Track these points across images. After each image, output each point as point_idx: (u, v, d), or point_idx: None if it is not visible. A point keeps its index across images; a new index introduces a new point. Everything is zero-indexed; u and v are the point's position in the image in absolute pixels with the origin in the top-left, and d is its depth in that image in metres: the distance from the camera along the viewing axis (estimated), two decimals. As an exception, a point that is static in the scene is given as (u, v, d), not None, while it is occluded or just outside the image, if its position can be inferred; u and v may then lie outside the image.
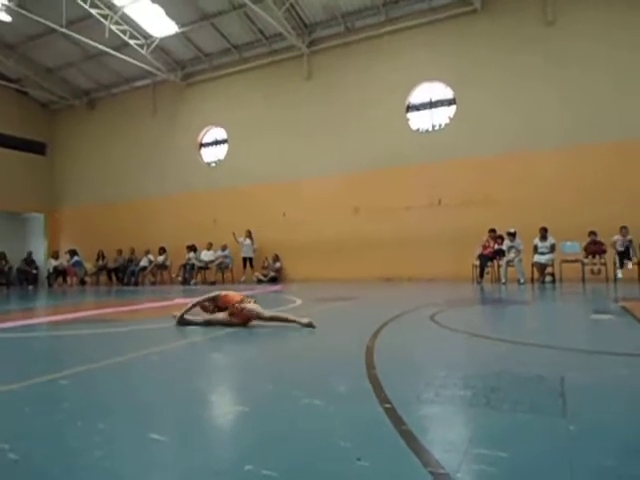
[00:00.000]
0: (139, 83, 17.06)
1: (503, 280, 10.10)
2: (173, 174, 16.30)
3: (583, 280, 9.71)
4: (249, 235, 14.02)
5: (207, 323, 4.46)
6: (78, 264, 15.95)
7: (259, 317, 4.32)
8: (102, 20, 13.10)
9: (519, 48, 11.57)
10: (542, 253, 10.16)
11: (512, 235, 10.45)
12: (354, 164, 13.27)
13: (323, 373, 2.67)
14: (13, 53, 15.66)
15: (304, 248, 13.62)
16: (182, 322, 4.52)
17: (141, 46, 14.38)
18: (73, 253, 16.08)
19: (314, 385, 2.38)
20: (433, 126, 12.94)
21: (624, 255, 9.39)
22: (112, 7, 13.12)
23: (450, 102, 12.68)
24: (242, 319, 4.32)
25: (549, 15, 11.23)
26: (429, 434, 1.65)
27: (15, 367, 3.10)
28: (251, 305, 4.35)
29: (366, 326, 4.10)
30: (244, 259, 13.96)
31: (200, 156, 16.33)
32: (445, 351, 3.18)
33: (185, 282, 14.00)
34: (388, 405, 1.93)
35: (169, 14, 13.41)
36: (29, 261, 16.26)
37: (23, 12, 12.46)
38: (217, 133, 16.18)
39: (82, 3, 12.44)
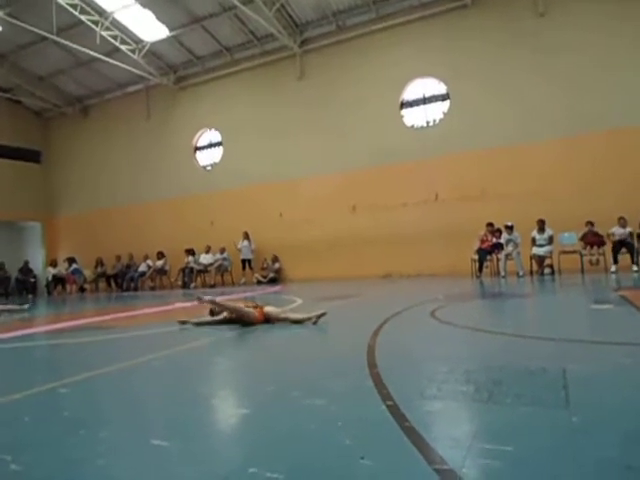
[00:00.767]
0: (132, 88, 17.02)
1: (502, 273, 10.11)
2: (169, 178, 16.28)
3: (582, 271, 9.72)
4: (247, 237, 14.01)
5: (222, 321, 4.64)
6: (77, 272, 15.92)
7: (277, 318, 4.51)
8: (92, 26, 13.06)
9: (510, 41, 11.58)
10: (540, 245, 10.17)
11: (510, 228, 10.46)
12: (350, 162, 13.26)
13: (325, 373, 2.66)
14: (4, 62, 15.61)
15: (303, 248, 13.62)
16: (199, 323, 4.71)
17: (132, 51, 14.34)
18: (72, 261, 16.05)
19: (316, 385, 2.37)
20: (427, 122, 12.94)
21: (623, 245, 9.38)
22: (102, 13, 13.08)
23: (444, 97, 12.68)
24: (260, 319, 4.50)
25: (540, 7, 11.24)
26: (433, 430, 1.65)
27: (15, 377, 3.08)
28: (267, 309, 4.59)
29: (367, 324, 4.10)
30: (243, 261, 13.95)
31: (195, 159, 16.30)
32: (446, 346, 3.18)
33: (185, 286, 13.98)
34: (391, 402, 1.93)
35: (160, 18, 13.38)
36: (26, 270, 16.22)
37: (13, 21, 12.42)
38: (212, 136, 16.15)
39: (72, 10, 12.41)
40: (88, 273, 16.09)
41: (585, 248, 9.85)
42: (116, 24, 13.48)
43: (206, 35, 14.35)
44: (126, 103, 17.37)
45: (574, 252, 9.97)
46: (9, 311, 8.14)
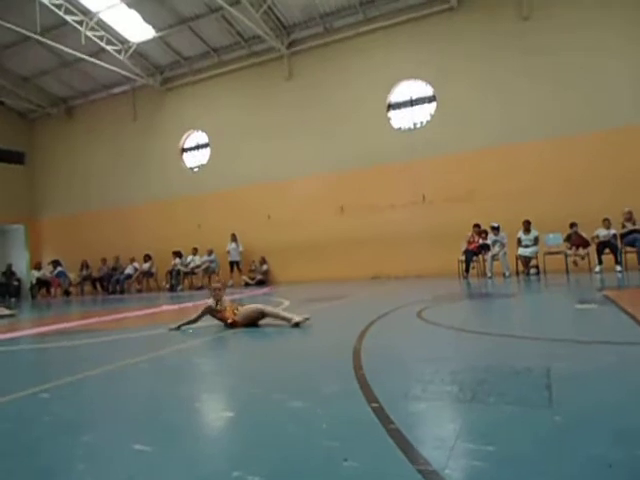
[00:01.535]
0: (118, 89, 16.86)
1: (489, 274, 10.19)
2: (156, 180, 16.15)
3: (567, 271, 9.83)
4: (234, 239, 13.94)
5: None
6: (62, 274, 15.70)
7: (262, 314, 4.58)
8: (77, 26, 12.91)
9: (496, 44, 11.69)
10: (526, 246, 10.27)
11: (496, 229, 10.55)
12: (338, 164, 13.28)
13: (310, 375, 2.65)
14: (-13, 62, 15.37)
15: (291, 249, 13.59)
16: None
17: (118, 52, 14.20)
18: (56, 264, 15.82)
19: (301, 387, 2.37)
20: (414, 124, 13.01)
21: (607, 246, 9.50)
22: (87, 13, 12.93)
23: (430, 99, 12.76)
24: (244, 323, 4.57)
25: (524, 11, 11.37)
26: (417, 431, 1.65)
27: (-4, 382, 3.02)
28: (246, 308, 4.63)
29: (354, 325, 4.10)
30: (231, 263, 13.88)
31: (182, 161, 16.20)
32: (432, 347, 3.19)
33: (172, 288, 13.87)
34: (376, 404, 1.93)
35: (146, 19, 13.27)
36: (9, 273, 15.95)
37: (-5, 20, 12.23)
38: (199, 137, 16.06)
39: (56, 10, 12.25)
40: (73, 276, 15.87)
41: (570, 249, 9.97)
42: (101, 24, 13.34)
43: (193, 36, 14.27)
44: (112, 104, 17.19)
45: (559, 253, 10.08)
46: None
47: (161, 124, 16.28)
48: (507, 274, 10.06)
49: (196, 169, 16.01)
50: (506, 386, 2.08)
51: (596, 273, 9.20)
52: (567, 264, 9.89)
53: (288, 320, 4.37)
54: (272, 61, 14.37)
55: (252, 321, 4.57)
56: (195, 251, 14.32)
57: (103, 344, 4.36)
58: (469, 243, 10.71)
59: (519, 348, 2.98)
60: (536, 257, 10.21)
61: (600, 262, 9.42)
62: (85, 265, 15.81)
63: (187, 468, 1.50)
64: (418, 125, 12.94)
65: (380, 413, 1.82)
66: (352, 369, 2.56)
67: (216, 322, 4.73)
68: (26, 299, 15.24)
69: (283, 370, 2.88)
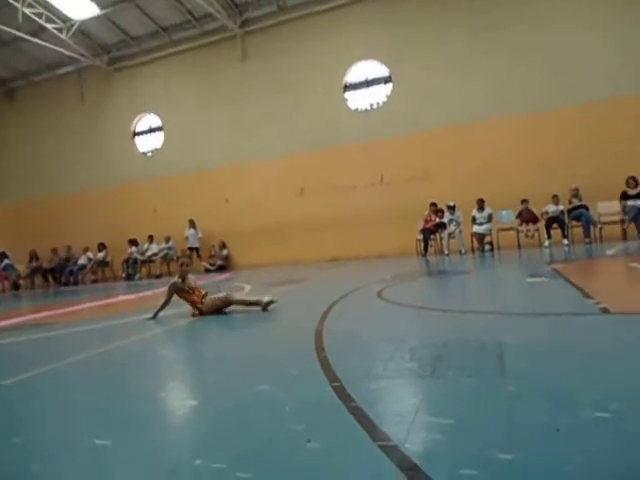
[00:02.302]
0: (63, 70, 15.94)
1: (446, 252, 10.48)
2: (108, 165, 15.50)
3: (519, 246, 10.25)
4: (193, 225, 13.66)
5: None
6: (9, 267, 14.90)
7: (228, 302, 4.47)
8: (13, 3, 12.06)
9: (449, 22, 11.78)
10: (480, 223, 10.60)
11: (452, 208, 10.82)
12: (296, 145, 13.17)
13: (274, 359, 2.66)
14: None
15: (251, 233, 13.46)
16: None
17: (60, 30, 13.40)
18: (2, 256, 15.02)
19: (264, 371, 2.37)
20: (371, 105, 13.04)
21: (555, 221, 9.94)
22: (23, -12, 12.11)
23: (386, 80, 12.80)
24: (211, 311, 4.46)
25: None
26: (378, 408, 1.69)
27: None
28: (212, 298, 4.50)
29: (315, 307, 4.13)
30: (190, 249, 13.61)
31: (135, 145, 15.62)
32: (392, 326, 3.26)
33: (129, 277, 13.50)
34: (337, 384, 1.95)
35: (88, -5, 12.56)
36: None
37: None
38: (151, 120, 15.50)
39: (-12, -16, 11.41)
40: (22, 268, 15.12)
41: (521, 225, 10.38)
42: (40, 1, 12.52)
43: (141, 14, 13.63)
44: (57, 86, 16.26)
45: (511, 229, 10.48)
46: None
47: (111, 107, 15.59)
48: (463, 251, 10.38)
49: (150, 154, 15.49)
50: (463, 360, 2.16)
51: (545, 247, 9.62)
52: (519, 240, 10.29)
53: (258, 303, 4.31)
54: (225, 40, 13.97)
55: (218, 309, 4.49)
56: (151, 239, 13.95)
57: (59, 337, 4.20)
58: (426, 222, 10.94)
59: (474, 323, 3.09)
60: (490, 234, 10.57)
61: (549, 236, 9.86)
62: (34, 256, 15.08)
63: (149, 459, 1.48)
64: (375, 106, 12.97)
65: (341, 392, 1.85)
66: (314, 351, 2.59)
67: (185, 308, 4.62)
68: (-29, 294, 14.44)
69: (246, 355, 2.87)
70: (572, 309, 3.18)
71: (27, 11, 12.35)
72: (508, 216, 10.68)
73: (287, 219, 13.12)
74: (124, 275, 13.74)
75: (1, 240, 16.59)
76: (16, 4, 12.11)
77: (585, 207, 9.78)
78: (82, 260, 14.35)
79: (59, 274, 14.46)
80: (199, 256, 13.66)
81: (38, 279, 15.20)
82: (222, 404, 1.95)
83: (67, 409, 2.10)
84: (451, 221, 10.74)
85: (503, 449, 1.27)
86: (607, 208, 9.90)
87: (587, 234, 9.54)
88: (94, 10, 13.04)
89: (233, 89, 13.90)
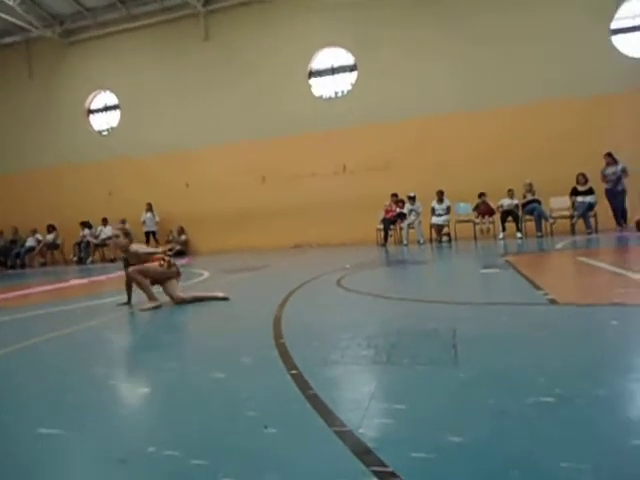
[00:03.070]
0: (9, 39, 15.00)
1: (405, 242, 10.68)
2: (59, 143, 14.79)
3: (475, 238, 10.57)
4: (150, 208, 13.29)
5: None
6: (-51, 248, 14.09)
7: (183, 299, 4.08)
8: (-45, -37, 11.22)
9: (413, 12, 11.87)
10: (439, 215, 10.86)
11: (412, 199, 11.02)
12: (258, 131, 13.00)
13: (230, 346, 2.64)
14: None
15: (211, 219, 13.25)
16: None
17: (8, -4, 12.58)
18: (-58, 237, 14.16)
19: (220, 359, 2.35)
20: (336, 93, 13.01)
21: (509, 215, 10.31)
22: (-33, -52, 11.27)
23: (351, 68, 12.79)
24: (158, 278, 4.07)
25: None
26: (334, 395, 1.71)
27: None
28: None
29: (274, 295, 4.12)
30: (147, 233, 13.26)
31: (89, 123, 14.96)
32: (350, 314, 3.29)
33: (80, 261, 13.02)
34: (295, 371, 1.96)
35: (40, -40, 11.83)
36: None
37: None
38: (107, 98, 14.87)
39: None
40: (-36, 250, 14.31)
41: (478, 217, 10.70)
42: (-15, -37, 11.71)
43: (96, -16, 13.00)
44: (2, 57, 15.31)
45: (468, 221, 10.79)
46: None
47: (63, 82, 14.84)
48: (421, 241, 10.61)
49: (105, 132, 14.89)
50: (417, 348, 2.21)
51: (500, 240, 9.98)
52: (475, 232, 10.62)
53: (216, 297, 4.16)
54: (188, 18, 13.55)
55: (165, 278, 4.09)
56: (105, 222, 13.48)
57: (6, 323, 4.00)
58: (387, 212, 11.10)
59: (429, 312, 3.17)
60: (448, 225, 10.85)
61: (504, 229, 10.23)
62: (-23, 238, 14.30)
63: (100, 448, 1.44)
64: (339, 94, 12.96)
65: (299, 379, 1.86)
66: (272, 338, 2.58)
67: (139, 299, 4.37)
68: None
69: (203, 342, 2.84)
70: (523, 299, 3.32)
71: (-29, -27, 11.51)
72: (466, 208, 10.99)
73: (248, 205, 12.99)
74: (75, 259, 13.24)
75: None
76: (-42, -35, 11.26)
77: (538, 201, 10.19)
78: (30, 242, 13.72)
79: (4, 257, 13.77)
80: (156, 240, 13.34)
81: (-19, 262, 14.41)
82: (177, 391, 1.92)
83: (7, 396, 2.01)
84: (411, 211, 10.93)
85: (453, 432, 1.32)
86: (559, 203, 10.36)
87: (539, 228, 9.95)
88: (46, -23, 12.31)
89: (195, 69, 13.53)
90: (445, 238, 10.85)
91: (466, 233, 10.79)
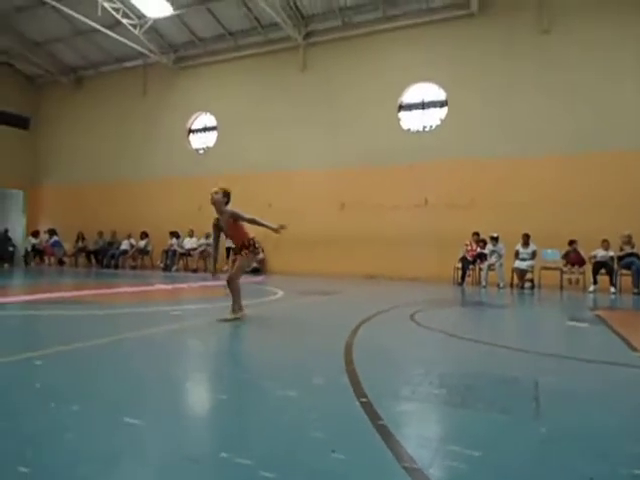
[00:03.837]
0: (129, 64, 16.73)
1: (483, 283, 10.22)
2: (160, 158, 16.07)
3: (561, 288, 9.88)
4: (234, 224, 13.90)
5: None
6: (57, 244, 15.66)
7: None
8: (95, -4, 12.79)
9: (512, 54, 11.64)
10: (523, 259, 10.30)
11: (495, 239, 10.57)
12: (344, 159, 13.25)
13: (302, 365, 2.67)
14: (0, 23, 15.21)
15: (288, 240, 13.50)
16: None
17: (134, 26, 14.09)
18: (52, 233, 15.77)
19: (292, 377, 2.38)
20: (424, 127, 12.98)
21: (603, 267, 9.53)
22: (106, -16, 12.83)
23: (442, 104, 12.73)
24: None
25: (544, 24, 11.33)
26: (404, 430, 1.67)
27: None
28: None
29: (346, 321, 4.12)
30: (227, 249, 13.86)
31: (189, 142, 16.14)
32: (423, 350, 3.21)
33: (166, 268, 13.86)
34: (365, 399, 1.94)
35: (165, -5, 13.15)
36: (5, 238, 15.86)
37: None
38: (207, 120, 15.99)
39: (75, -23, 12.14)
40: (68, 246, 15.84)
41: (566, 266, 10.01)
42: (119, -3, 13.23)
43: (210, 17, 14.16)
44: (122, 78, 17.07)
45: (555, 269, 10.12)
46: None
47: (170, 103, 16.19)
48: (501, 285, 10.09)
49: (201, 151, 15.95)
50: (494, 394, 2.10)
51: (590, 292, 9.24)
52: (562, 281, 9.93)
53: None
54: (287, 50, 14.29)
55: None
56: (192, 233, 14.31)
57: (96, 317, 4.37)
58: (467, 251, 10.74)
59: (508, 358, 3.00)
60: (532, 271, 10.25)
61: (595, 282, 9.46)
62: (81, 237, 15.77)
63: (176, 445, 1.51)
64: (427, 128, 12.92)
65: (369, 409, 1.84)
66: (343, 363, 2.58)
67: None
68: (19, 266, 15.20)
69: (275, 358, 2.90)
70: (615, 359, 3.04)
71: (107, 5, 13.06)
72: (554, 255, 10.33)
73: (325, 231, 13.17)
74: (162, 265, 14.12)
75: (53, 218, 17.48)
76: (97, -2, 12.83)
77: (637, 256, 9.35)
78: (124, 246, 14.87)
79: (102, 256, 15.04)
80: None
81: (82, 259, 15.85)
82: (249, 402, 1.97)
83: (98, 386, 2.17)
84: (493, 252, 10.48)
85: (532, 490, 1.23)
86: (661, 259, 9.42)
87: (637, 284, 9.10)
88: (168, 10, 13.63)
89: (289, 98, 14.17)
90: (528, 284, 10.23)
91: (551, 281, 10.11)
